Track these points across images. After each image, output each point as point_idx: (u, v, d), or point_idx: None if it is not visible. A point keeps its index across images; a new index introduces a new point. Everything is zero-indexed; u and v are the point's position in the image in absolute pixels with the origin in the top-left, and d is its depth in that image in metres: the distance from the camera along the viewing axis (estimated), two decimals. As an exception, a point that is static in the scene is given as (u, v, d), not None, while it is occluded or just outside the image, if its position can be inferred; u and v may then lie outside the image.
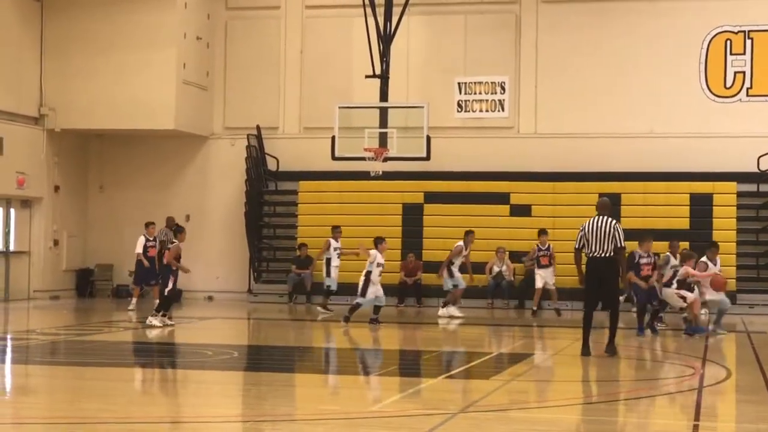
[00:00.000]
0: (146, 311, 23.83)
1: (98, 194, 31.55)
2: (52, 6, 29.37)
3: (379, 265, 21.65)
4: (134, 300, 25.56)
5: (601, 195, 25.53)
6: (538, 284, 25.81)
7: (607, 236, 16.54)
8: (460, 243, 24.29)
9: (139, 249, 25.53)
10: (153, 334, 20.01)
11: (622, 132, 28.91)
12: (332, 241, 25.25)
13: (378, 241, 22.13)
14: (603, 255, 16.53)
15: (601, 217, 16.77)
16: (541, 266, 25.82)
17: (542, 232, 26.08)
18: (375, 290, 21.48)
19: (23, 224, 29.38)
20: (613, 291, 16.88)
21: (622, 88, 29.10)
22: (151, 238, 25.69)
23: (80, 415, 11.34)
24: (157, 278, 25.80)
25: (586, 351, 16.72)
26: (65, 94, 29.15)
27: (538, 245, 26.02)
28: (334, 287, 25.26)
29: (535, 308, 25.78)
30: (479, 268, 27.87)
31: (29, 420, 11.16)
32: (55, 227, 30.09)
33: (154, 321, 20.86)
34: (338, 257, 25.19)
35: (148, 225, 25.95)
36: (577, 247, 16.88)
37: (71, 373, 14.85)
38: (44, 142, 29.50)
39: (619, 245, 16.58)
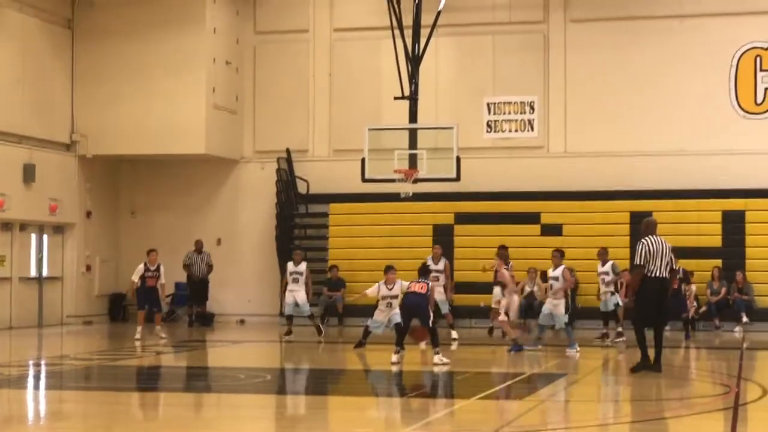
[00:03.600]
0: (153, 338, 23.76)
1: (130, 219, 31.71)
2: (83, 33, 29.61)
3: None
4: (140, 328, 24.01)
5: (632, 215, 25.61)
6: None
7: (665, 257, 16.75)
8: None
9: (135, 278, 24.18)
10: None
11: (653, 150, 28.80)
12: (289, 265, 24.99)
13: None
14: (661, 275, 16.69)
15: (655, 237, 16.91)
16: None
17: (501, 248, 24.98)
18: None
19: (56, 250, 29.54)
20: (667, 311, 17.16)
21: (652, 105, 29.00)
22: (153, 268, 24.13)
23: (114, 440, 11.36)
24: (158, 306, 24.87)
25: (649, 364, 16.76)
26: (96, 121, 29.35)
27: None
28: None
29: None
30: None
31: (64, 445, 11.20)
32: (87, 253, 30.25)
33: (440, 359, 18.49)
34: (293, 281, 24.72)
35: (149, 252, 24.43)
36: (640, 263, 16.71)
37: (105, 398, 14.89)
38: (76, 168, 29.71)
39: (674, 266, 16.94)
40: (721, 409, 13.46)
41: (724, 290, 27.15)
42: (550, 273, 21.37)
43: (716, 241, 27.97)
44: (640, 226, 17.46)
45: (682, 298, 23.92)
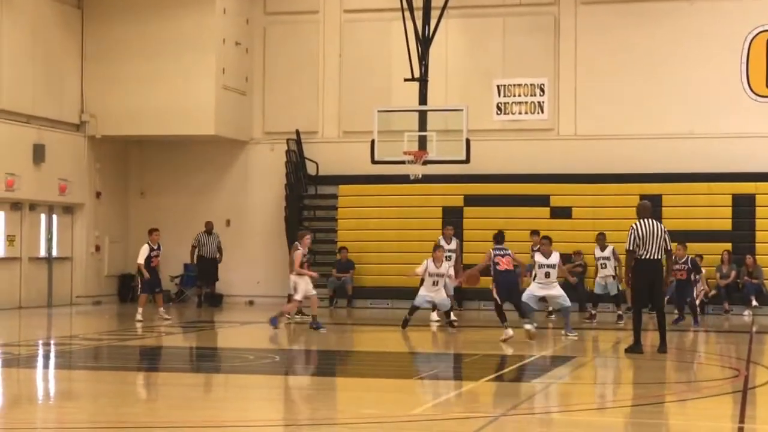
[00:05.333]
0: (153, 320, 23.66)
1: (139, 200, 31.74)
2: (93, 13, 29.60)
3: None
4: (141, 309, 23.74)
5: (641, 198, 25.66)
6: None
7: (657, 239, 17.09)
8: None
9: (141, 259, 23.75)
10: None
11: (663, 133, 28.73)
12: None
13: None
14: (653, 257, 17.08)
15: (648, 220, 17.24)
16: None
17: (534, 233, 24.46)
18: None
19: (65, 230, 29.59)
20: (660, 292, 17.44)
21: (663, 88, 28.91)
22: (155, 246, 23.82)
23: (123, 420, 11.39)
24: (160, 286, 24.65)
25: (638, 348, 17.17)
26: (106, 101, 29.36)
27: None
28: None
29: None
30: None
31: (73, 425, 11.23)
32: (96, 233, 30.29)
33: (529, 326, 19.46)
34: None
35: (151, 232, 24.16)
36: (630, 248, 17.21)
37: (114, 377, 14.93)
38: (85, 148, 29.72)
39: (668, 248, 17.23)
40: (730, 393, 13.45)
41: (733, 274, 27.11)
42: (545, 261, 20.66)
43: (726, 224, 27.91)
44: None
45: (690, 285, 23.84)
